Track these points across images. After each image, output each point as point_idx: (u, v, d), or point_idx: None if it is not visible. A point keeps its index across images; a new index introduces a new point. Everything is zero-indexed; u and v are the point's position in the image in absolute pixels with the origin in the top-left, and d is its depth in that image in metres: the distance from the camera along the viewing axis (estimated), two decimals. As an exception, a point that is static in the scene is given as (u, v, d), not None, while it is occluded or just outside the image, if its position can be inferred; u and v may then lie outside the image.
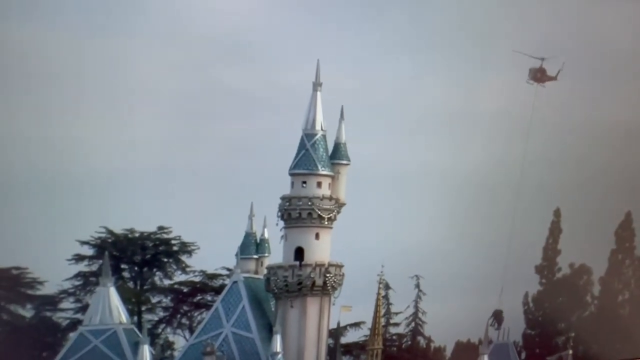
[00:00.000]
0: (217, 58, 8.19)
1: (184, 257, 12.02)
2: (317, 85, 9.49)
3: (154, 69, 8.11)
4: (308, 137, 9.67)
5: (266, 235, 10.06)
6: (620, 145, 11.33)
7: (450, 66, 8.43)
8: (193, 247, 12.18)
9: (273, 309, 9.62)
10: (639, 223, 14.04)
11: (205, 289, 12.26)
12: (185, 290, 12.09)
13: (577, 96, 10.13)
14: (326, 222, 9.76)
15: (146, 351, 8.34)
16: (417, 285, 13.66)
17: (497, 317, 11.07)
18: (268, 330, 9.49)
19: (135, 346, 8.43)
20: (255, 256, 10.10)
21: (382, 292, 10.93)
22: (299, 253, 9.65)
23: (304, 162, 9.78)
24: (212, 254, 10.19)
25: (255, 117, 8.40)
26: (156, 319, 11.88)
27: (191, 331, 11.35)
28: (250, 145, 8.55)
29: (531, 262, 12.55)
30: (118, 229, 10.64)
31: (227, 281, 10.15)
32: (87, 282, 11.58)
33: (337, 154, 9.88)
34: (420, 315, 14.02)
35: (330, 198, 9.69)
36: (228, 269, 11.36)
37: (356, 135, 8.85)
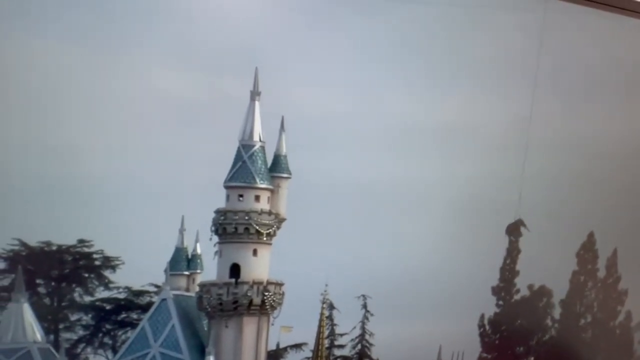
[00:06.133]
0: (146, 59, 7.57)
1: (106, 272, 11.79)
2: (255, 94, 9.18)
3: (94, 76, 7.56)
4: (245, 149, 9.46)
5: (199, 250, 9.98)
6: (585, 162, 10.90)
7: (419, 80, 7.86)
8: (117, 262, 11.95)
9: (206, 329, 9.73)
10: (602, 244, 13.82)
11: (130, 306, 11.96)
12: (108, 307, 11.81)
13: (552, 113, 9.65)
14: (265, 238, 9.57)
15: (64, 371, 8.69)
16: (364, 306, 13.31)
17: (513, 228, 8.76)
18: (200, 352, 9.42)
19: (52, 366, 8.78)
20: (187, 272, 9.91)
21: (326, 312, 10.63)
22: (235, 270, 9.70)
23: (240, 175, 9.51)
24: (139, 269, 9.70)
25: (188, 125, 7.89)
26: (75, 337, 11.68)
27: (114, 351, 11.06)
28: (182, 156, 8.03)
29: (487, 283, 12.22)
30: (33, 242, 10.23)
31: (155, 298, 10.09)
32: (-2, 297, 11.29)
33: (277, 167, 9.76)
34: (367, 336, 13.75)
35: (270, 213, 9.53)
36: (156, 286, 11.16)
37: (311, 148, 8.44)
